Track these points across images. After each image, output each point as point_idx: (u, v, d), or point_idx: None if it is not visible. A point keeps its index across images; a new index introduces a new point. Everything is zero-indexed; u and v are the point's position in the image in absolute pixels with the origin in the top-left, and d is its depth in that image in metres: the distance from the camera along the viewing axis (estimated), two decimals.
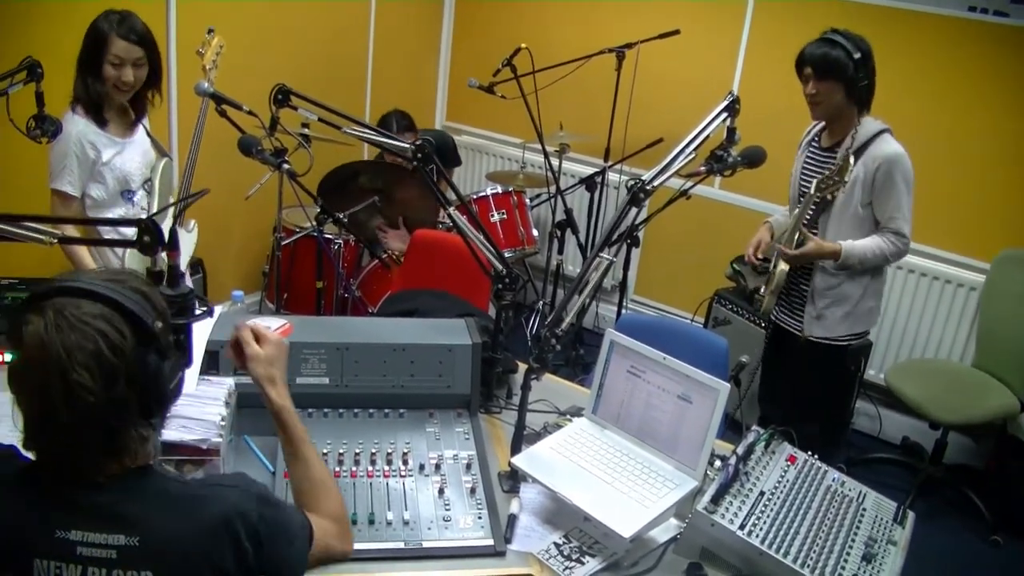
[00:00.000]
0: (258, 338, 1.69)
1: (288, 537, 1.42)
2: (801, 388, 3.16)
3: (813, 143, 3.06)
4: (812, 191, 2.74)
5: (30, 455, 1.30)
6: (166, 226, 1.64)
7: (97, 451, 1.26)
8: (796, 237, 2.88)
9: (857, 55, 2.74)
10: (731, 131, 2.25)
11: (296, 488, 1.66)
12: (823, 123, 3.02)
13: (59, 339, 1.19)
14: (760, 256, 3.13)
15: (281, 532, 1.40)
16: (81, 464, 1.26)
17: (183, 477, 1.34)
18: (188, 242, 3.16)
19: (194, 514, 1.29)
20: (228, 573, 1.31)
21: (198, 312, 1.49)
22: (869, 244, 2.86)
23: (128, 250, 2.78)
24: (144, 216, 2.88)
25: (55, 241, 1.75)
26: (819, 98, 2.83)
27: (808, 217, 2.94)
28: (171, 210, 2.97)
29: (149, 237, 1.62)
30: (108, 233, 2.86)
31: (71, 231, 2.75)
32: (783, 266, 2.94)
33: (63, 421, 1.21)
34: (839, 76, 2.76)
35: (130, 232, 1.61)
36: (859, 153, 2.82)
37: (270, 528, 1.36)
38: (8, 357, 2.12)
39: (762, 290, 3.21)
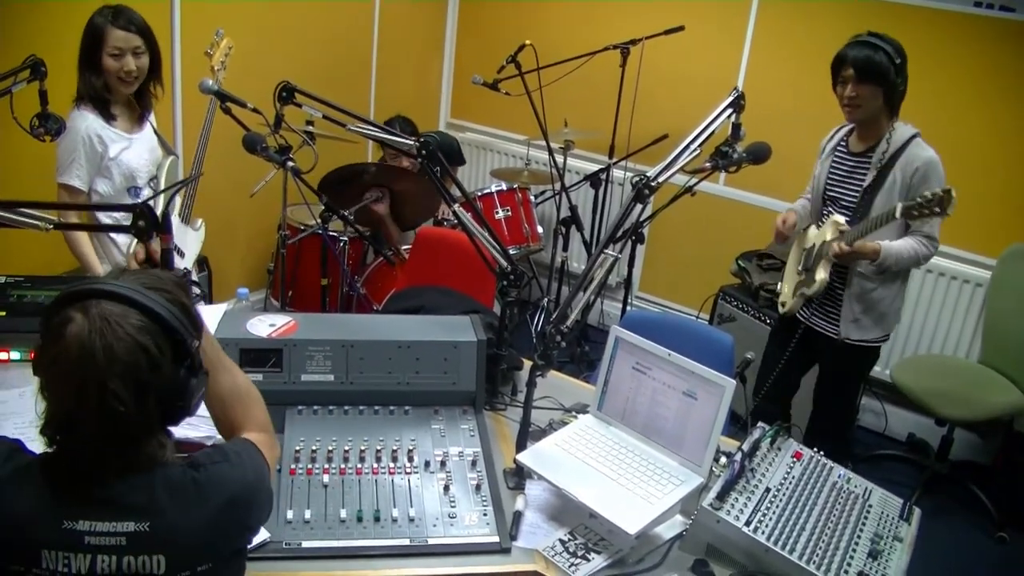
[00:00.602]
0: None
1: (268, 490, 1.44)
2: (828, 389, 3.14)
3: (840, 147, 2.99)
4: (898, 214, 2.60)
5: (41, 446, 1.31)
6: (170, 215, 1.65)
7: (116, 455, 1.28)
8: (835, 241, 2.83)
9: (898, 60, 2.71)
10: (736, 127, 2.24)
11: (225, 401, 1.57)
12: (849, 127, 2.98)
13: (102, 346, 1.21)
14: (787, 228, 3.09)
15: (264, 488, 1.42)
16: (97, 463, 1.27)
17: (181, 462, 1.34)
18: (195, 241, 3.16)
19: (200, 500, 1.31)
20: (235, 546, 1.38)
21: (192, 296, 1.49)
22: (905, 245, 2.82)
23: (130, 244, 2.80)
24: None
25: (51, 227, 1.75)
26: (859, 101, 2.77)
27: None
28: (175, 199, 2.98)
29: (144, 221, 1.63)
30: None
31: (73, 220, 2.76)
32: (823, 274, 2.89)
33: (89, 424, 1.23)
34: (881, 80, 2.73)
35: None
36: (895, 158, 2.79)
37: (260, 489, 1.40)
38: (15, 355, 2.14)
39: (779, 286, 3.17)
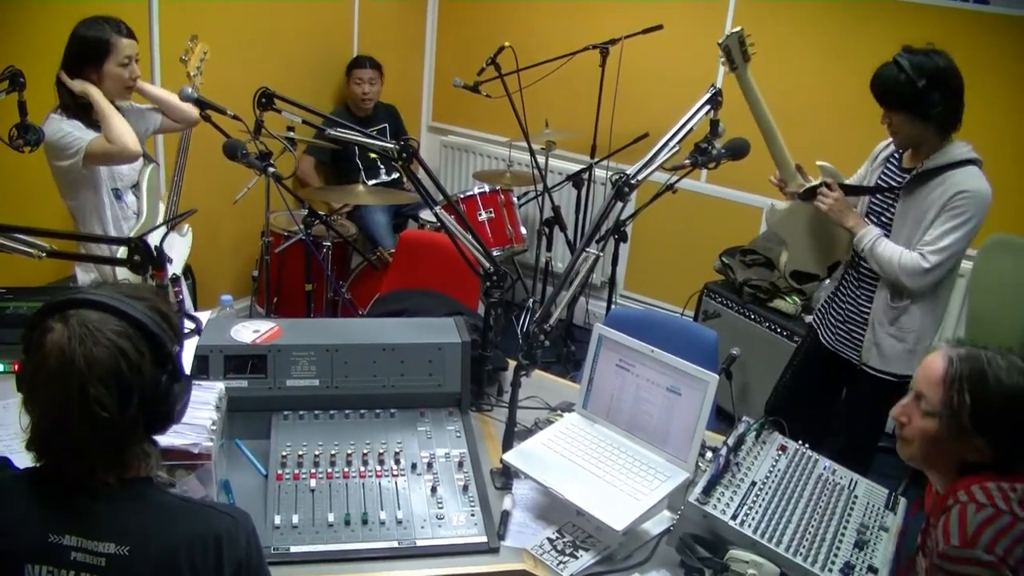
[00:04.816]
0: None
1: (256, 546, 1.37)
2: (851, 416, 2.98)
3: (892, 160, 2.79)
4: None
5: (28, 461, 1.31)
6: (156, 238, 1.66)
7: (101, 463, 1.27)
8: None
9: (921, 82, 2.47)
10: (714, 124, 2.26)
11: None
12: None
13: (81, 351, 1.21)
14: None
15: (250, 542, 1.35)
16: (82, 474, 1.27)
17: (182, 493, 1.34)
18: (183, 246, 3.16)
19: (185, 527, 1.29)
20: None
21: (186, 331, 1.49)
22: (894, 248, 2.64)
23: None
24: (136, 221, 2.89)
25: (43, 255, 1.75)
26: (894, 128, 2.62)
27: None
28: (160, 207, 2.98)
29: (139, 256, 1.64)
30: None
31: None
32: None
33: (75, 433, 1.22)
34: (903, 106, 2.54)
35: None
36: (935, 174, 2.59)
37: (254, 568, 1.34)
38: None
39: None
